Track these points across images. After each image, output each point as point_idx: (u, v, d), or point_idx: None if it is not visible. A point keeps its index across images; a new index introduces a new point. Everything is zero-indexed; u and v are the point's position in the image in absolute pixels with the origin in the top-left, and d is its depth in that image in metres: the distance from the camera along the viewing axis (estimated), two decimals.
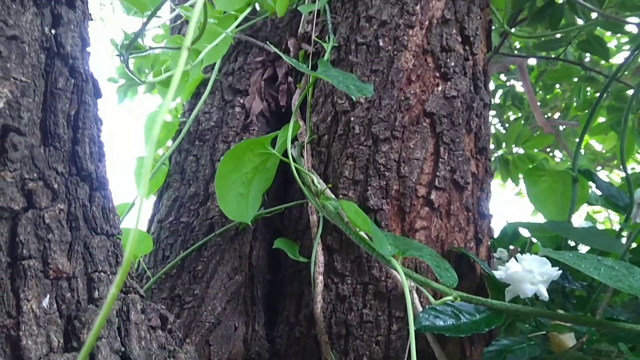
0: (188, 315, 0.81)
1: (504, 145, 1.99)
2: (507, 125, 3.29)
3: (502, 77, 3.43)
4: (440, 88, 0.96)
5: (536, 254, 0.81)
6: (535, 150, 2.06)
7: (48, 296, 0.39)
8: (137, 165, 1.00)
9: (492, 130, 3.81)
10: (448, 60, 0.98)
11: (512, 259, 0.82)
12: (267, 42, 1.13)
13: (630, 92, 1.96)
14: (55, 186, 0.41)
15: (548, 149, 3.41)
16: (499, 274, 0.82)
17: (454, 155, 0.92)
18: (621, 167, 1.11)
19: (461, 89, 0.96)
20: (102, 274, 0.43)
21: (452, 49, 0.99)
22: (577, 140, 1.17)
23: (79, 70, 0.46)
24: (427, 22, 1.01)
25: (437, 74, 0.97)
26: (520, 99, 3.24)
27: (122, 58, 0.61)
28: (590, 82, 1.79)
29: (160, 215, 0.97)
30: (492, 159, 2.03)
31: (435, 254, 0.75)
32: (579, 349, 0.78)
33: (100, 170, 0.47)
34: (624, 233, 1.04)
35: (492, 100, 3.40)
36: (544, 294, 0.79)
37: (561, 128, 3.23)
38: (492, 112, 3.42)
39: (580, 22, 1.53)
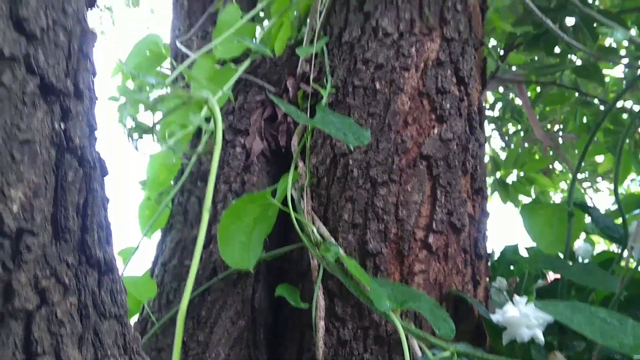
0: None
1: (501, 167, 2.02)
2: (506, 138, 3.32)
3: (501, 88, 3.46)
4: (436, 130, 0.98)
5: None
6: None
7: None
8: (141, 209, 1.02)
9: (493, 144, 3.84)
10: (443, 102, 1.00)
11: (509, 302, 0.84)
12: (266, 84, 1.15)
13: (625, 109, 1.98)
14: (67, 280, 0.43)
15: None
16: (496, 317, 0.84)
17: (451, 197, 0.94)
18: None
19: (457, 130, 0.99)
20: (111, 358, 0.45)
21: (447, 91, 1.01)
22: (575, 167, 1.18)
23: (87, 159, 0.48)
24: (422, 65, 1.03)
25: (433, 116, 0.99)
26: (519, 112, 3.26)
27: (123, 119, 0.63)
28: (586, 106, 1.81)
29: (164, 258, 0.99)
30: (491, 180, 2.06)
31: (434, 303, 0.77)
32: None
33: (107, 254, 0.49)
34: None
35: (492, 112, 3.43)
36: (540, 338, 0.81)
37: (560, 141, 3.25)
38: (492, 125, 3.44)
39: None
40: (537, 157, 3.44)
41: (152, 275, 1.00)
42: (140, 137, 0.53)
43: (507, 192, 1.97)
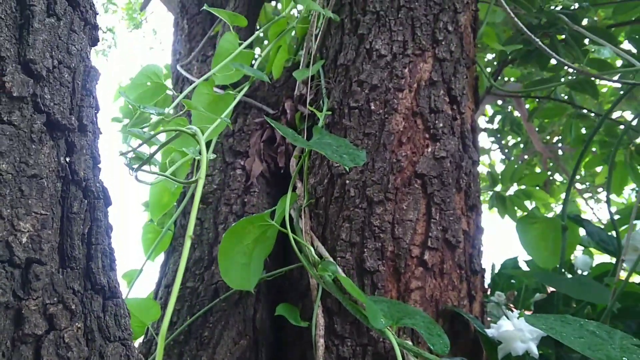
0: None
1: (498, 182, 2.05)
2: (506, 150, 3.34)
3: (500, 101, 3.49)
4: (430, 149, 1.01)
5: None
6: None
7: None
8: (144, 232, 1.05)
9: (493, 157, 3.86)
10: (437, 121, 1.03)
11: (504, 317, 0.86)
12: (265, 106, 1.18)
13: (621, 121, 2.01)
14: (73, 307, 0.45)
15: (549, 172, 3.45)
16: (491, 332, 0.86)
17: (445, 214, 0.96)
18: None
19: (450, 149, 1.01)
20: None
21: (440, 110, 1.04)
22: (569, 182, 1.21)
23: (91, 190, 0.51)
24: (415, 85, 1.06)
25: (427, 135, 1.02)
26: (519, 125, 3.29)
27: (126, 158, 0.66)
28: (581, 118, 1.84)
29: (167, 280, 1.02)
30: (490, 195, 2.09)
31: (429, 319, 0.79)
32: None
33: (111, 280, 0.51)
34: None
35: (491, 125, 3.46)
36: (534, 352, 0.82)
37: (560, 152, 3.27)
38: (492, 138, 3.47)
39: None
40: (537, 169, 3.46)
41: (156, 297, 1.03)
42: (140, 167, 0.56)
43: (505, 206, 2.00)
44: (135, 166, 0.67)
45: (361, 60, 1.10)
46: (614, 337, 0.68)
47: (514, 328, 0.83)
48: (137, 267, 1.01)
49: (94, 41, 0.57)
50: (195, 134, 0.54)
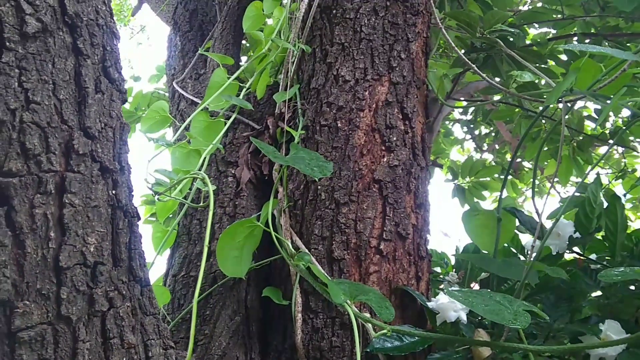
0: (201, 350, 1.09)
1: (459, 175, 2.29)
2: (478, 141, 3.59)
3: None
4: (385, 159, 1.24)
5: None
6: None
7: (125, 358, 0.66)
8: (153, 231, 1.27)
9: (467, 146, 4.10)
10: (391, 135, 1.26)
11: (441, 292, 1.10)
12: (251, 121, 1.41)
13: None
14: (124, 292, 0.68)
15: (519, 160, 3.70)
16: (431, 304, 1.10)
17: (397, 212, 1.19)
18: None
19: (402, 158, 1.24)
20: (152, 340, 0.71)
21: (394, 126, 1.27)
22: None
23: (129, 211, 0.74)
24: (374, 105, 1.29)
25: (383, 148, 1.25)
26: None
27: (147, 182, 0.88)
28: (530, 118, 2.08)
29: (174, 271, 1.24)
30: (453, 187, 2.33)
31: (380, 295, 1.02)
32: (493, 358, 1.06)
33: (144, 273, 0.74)
34: None
35: (465, 116, 3.69)
36: (464, 319, 1.07)
37: None
38: (465, 129, 3.70)
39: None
40: (508, 156, 3.71)
41: (165, 284, 1.26)
42: (163, 193, 0.78)
43: (465, 197, 2.24)
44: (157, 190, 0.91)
45: (329, 84, 1.32)
46: (513, 304, 0.91)
47: (448, 300, 1.07)
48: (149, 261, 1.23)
49: (124, 101, 0.79)
50: (202, 177, 0.77)
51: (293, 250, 1.09)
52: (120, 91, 0.77)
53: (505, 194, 1.39)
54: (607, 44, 1.75)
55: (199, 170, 1.18)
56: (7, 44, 0.63)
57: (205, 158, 1.13)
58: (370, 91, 1.29)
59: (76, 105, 0.69)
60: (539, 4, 1.93)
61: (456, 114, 3.64)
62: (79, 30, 0.70)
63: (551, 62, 1.79)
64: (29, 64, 0.64)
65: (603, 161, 3.21)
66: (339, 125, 1.27)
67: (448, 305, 1.07)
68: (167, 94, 2.51)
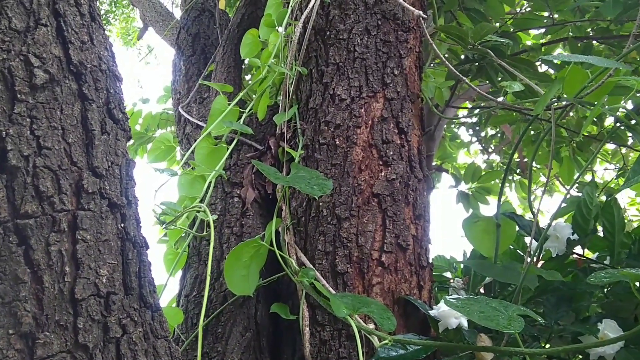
0: None
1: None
2: (484, 144, 3.62)
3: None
4: (383, 173, 1.28)
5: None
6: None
7: None
8: (165, 254, 1.33)
9: (473, 148, 4.12)
10: (388, 150, 1.30)
11: (442, 300, 1.14)
12: (254, 142, 1.46)
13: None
14: (135, 318, 0.74)
15: (526, 160, 3.72)
16: (433, 312, 1.14)
17: (397, 224, 1.24)
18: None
19: (399, 171, 1.29)
20: None
21: (390, 141, 1.31)
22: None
23: (138, 242, 0.79)
24: (370, 122, 1.33)
25: (381, 162, 1.30)
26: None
27: (155, 213, 0.94)
28: (527, 122, 2.11)
29: (186, 291, 1.30)
30: (457, 192, 2.37)
31: (381, 306, 1.07)
32: None
33: (155, 299, 0.79)
34: None
35: (470, 119, 3.72)
36: (465, 325, 1.10)
37: None
38: (470, 131, 3.73)
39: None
40: (515, 157, 3.73)
41: (178, 304, 1.31)
42: (170, 223, 0.84)
43: (469, 202, 2.28)
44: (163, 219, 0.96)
45: (327, 104, 1.37)
46: (509, 310, 0.95)
47: (448, 308, 1.11)
48: (161, 283, 1.29)
49: (128, 139, 0.85)
50: (205, 210, 0.82)
51: (297, 267, 1.14)
52: (125, 130, 0.82)
53: (509, 196, 1.42)
54: (601, 47, 1.78)
55: (205, 193, 1.24)
56: (19, 95, 0.69)
57: (210, 183, 1.19)
58: (366, 108, 1.34)
59: (84, 147, 0.75)
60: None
61: (461, 116, 3.67)
62: (83, 77, 0.76)
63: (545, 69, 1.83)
64: (39, 112, 0.70)
65: (610, 157, 3.23)
66: (337, 142, 1.31)
67: (449, 312, 1.11)
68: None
